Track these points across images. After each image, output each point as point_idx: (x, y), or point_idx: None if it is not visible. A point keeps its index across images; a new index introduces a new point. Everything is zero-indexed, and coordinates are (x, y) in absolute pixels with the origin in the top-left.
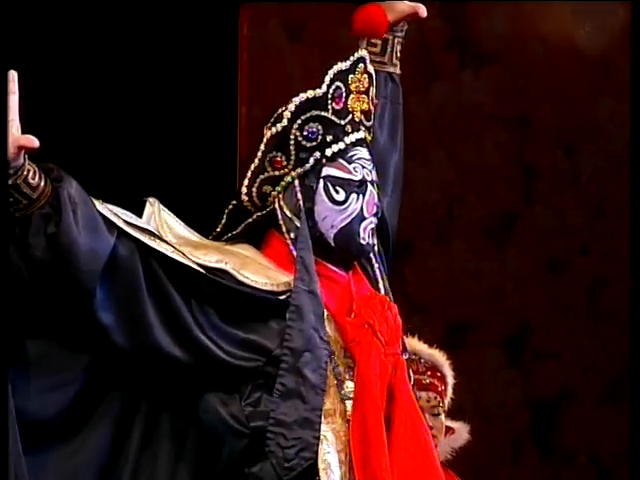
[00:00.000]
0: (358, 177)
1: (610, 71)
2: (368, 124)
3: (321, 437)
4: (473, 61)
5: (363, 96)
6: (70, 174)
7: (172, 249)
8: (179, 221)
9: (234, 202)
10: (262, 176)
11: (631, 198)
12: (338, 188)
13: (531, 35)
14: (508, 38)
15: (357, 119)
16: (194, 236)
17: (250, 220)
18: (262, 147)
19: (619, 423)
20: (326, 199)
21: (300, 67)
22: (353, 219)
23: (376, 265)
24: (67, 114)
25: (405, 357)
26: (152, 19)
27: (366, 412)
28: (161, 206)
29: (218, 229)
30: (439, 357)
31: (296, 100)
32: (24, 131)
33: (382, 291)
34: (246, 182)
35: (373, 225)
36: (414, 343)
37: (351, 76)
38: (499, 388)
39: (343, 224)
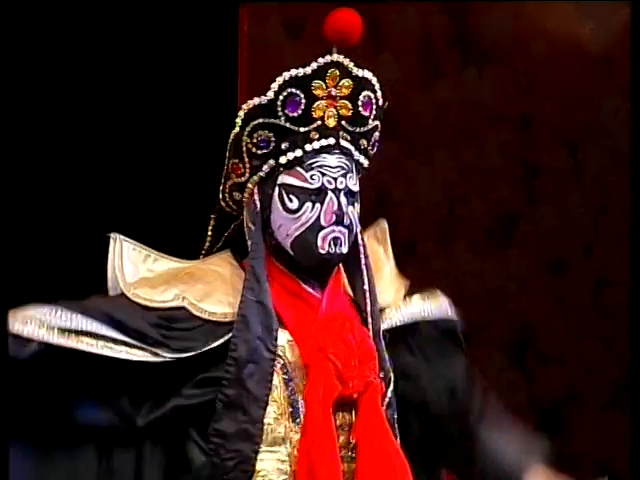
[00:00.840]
0: (315, 185)
1: (614, 69)
2: (359, 129)
3: (260, 466)
4: (476, 59)
5: (343, 101)
6: (68, 174)
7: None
8: (146, 250)
9: (214, 215)
10: (229, 182)
11: (632, 198)
12: (292, 196)
13: (534, 33)
14: (511, 36)
15: (330, 125)
16: (166, 262)
17: (230, 230)
18: (227, 153)
19: (625, 427)
20: (280, 207)
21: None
22: (308, 228)
23: (367, 286)
24: (64, 111)
25: (380, 379)
26: (151, 18)
27: (312, 441)
28: (124, 240)
29: (206, 246)
30: None
31: (244, 107)
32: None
33: (369, 313)
34: (221, 188)
35: (337, 234)
36: None
37: (317, 82)
38: (502, 391)
39: (297, 233)
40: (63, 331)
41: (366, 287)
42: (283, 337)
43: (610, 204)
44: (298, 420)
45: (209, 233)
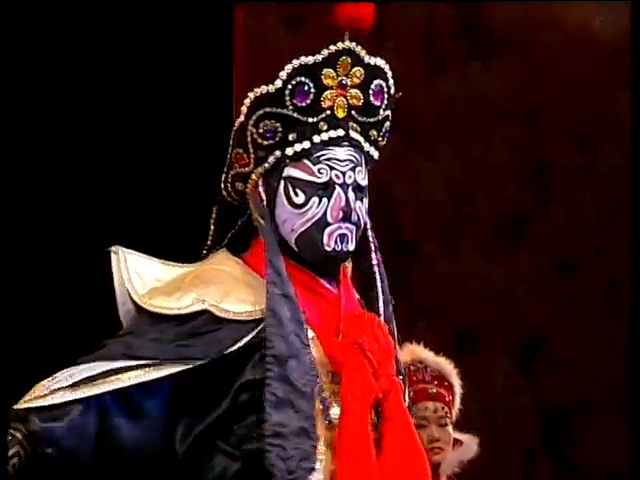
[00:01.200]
0: (322, 179)
1: (628, 61)
2: (369, 119)
3: None
4: (482, 52)
5: (354, 91)
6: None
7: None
8: (151, 259)
9: (216, 206)
10: (232, 172)
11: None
12: (298, 190)
13: (543, 25)
14: (519, 29)
15: (340, 116)
16: (170, 269)
17: (236, 228)
18: (230, 142)
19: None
20: (285, 201)
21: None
22: (313, 224)
23: (379, 285)
24: (60, 110)
25: (400, 379)
26: (145, 11)
27: (350, 439)
28: (126, 252)
29: (209, 240)
30: (446, 365)
31: (251, 95)
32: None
33: (382, 315)
34: (223, 177)
35: (344, 231)
36: (419, 351)
37: (327, 70)
38: (509, 396)
39: (302, 229)
40: (87, 381)
41: (379, 285)
42: (308, 333)
43: (623, 203)
44: (328, 418)
45: (212, 227)
